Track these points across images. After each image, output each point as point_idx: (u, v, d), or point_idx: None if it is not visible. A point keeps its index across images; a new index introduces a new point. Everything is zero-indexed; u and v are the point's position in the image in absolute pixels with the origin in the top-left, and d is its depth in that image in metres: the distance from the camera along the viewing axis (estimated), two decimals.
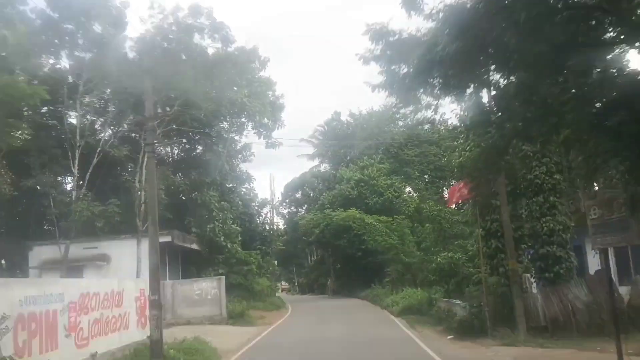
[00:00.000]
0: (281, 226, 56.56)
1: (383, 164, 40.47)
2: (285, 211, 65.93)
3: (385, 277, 36.42)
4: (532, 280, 14.94)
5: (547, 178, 14.96)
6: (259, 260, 34.18)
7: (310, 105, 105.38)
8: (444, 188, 45.63)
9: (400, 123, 48.50)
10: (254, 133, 32.92)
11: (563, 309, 14.35)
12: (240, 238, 33.91)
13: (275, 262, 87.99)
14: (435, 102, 8.56)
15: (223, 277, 22.61)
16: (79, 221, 22.64)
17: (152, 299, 12.31)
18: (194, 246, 28.94)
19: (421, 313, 20.61)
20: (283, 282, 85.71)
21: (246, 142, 36.49)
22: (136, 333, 13.52)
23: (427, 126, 49.11)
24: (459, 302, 16.55)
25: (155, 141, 13.11)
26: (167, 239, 24.60)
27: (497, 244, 15.25)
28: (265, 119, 31.20)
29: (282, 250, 58.55)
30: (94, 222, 22.51)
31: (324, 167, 51.71)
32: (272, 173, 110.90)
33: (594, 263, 15.68)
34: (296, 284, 77.69)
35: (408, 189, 41.42)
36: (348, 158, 46.12)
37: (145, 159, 18.00)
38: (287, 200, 65.10)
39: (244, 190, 36.85)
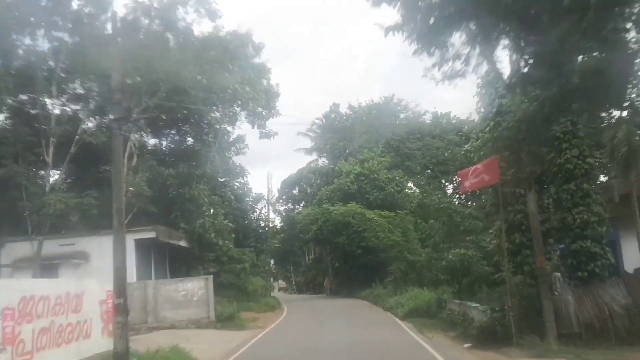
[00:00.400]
0: (277, 223, 54.78)
1: (384, 157, 38.43)
2: (281, 208, 64.20)
3: (387, 277, 34.49)
4: (563, 280, 12.93)
5: (580, 162, 12.94)
6: (253, 258, 32.21)
7: (309, 100, 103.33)
8: (447, 184, 43.73)
9: (402, 115, 46.54)
10: (248, 122, 30.98)
11: (599, 313, 12.39)
12: (233, 235, 31.94)
13: (272, 261, 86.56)
14: (468, 48, 6.51)
15: (211, 277, 20.57)
16: (52, 215, 20.60)
17: (116, 303, 10.30)
18: (182, 243, 26.93)
19: (429, 316, 18.63)
20: (280, 281, 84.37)
21: (240, 134, 34.63)
22: (101, 342, 11.49)
23: (428, 121, 47.37)
24: (476, 304, 14.57)
25: (123, 117, 11.04)
26: (151, 235, 22.62)
27: (522, 239, 13.26)
28: (259, 107, 29.19)
29: (278, 248, 57.07)
30: (69, 215, 20.45)
31: (322, 161, 49.69)
32: (270, 172, 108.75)
33: (631, 260, 13.69)
34: (293, 283, 75.68)
35: (409, 184, 39.40)
36: (347, 152, 44.06)
37: (131, 155, 15.91)
38: (283, 197, 63.24)
39: (237, 184, 34.86)
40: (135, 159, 22.79)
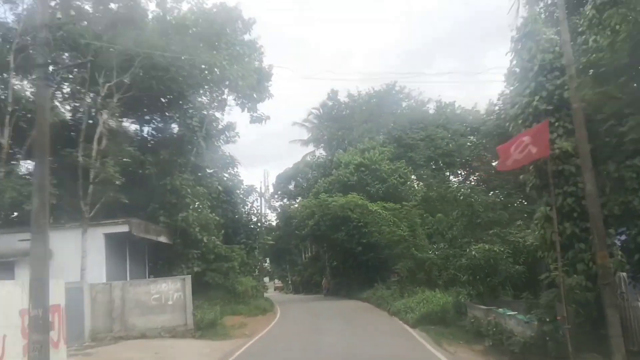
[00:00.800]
0: (273, 220, 52.01)
1: (386, 147, 35.49)
2: (277, 204, 61.46)
3: (391, 276, 31.72)
4: (629, 281, 10.08)
5: None
6: (243, 256, 29.29)
7: (305, 89, 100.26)
8: (452, 177, 40.86)
9: (404, 104, 43.62)
10: (237, 105, 28.12)
11: None
12: (223, 231, 29.07)
13: (268, 260, 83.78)
14: None
15: (189, 277, 17.65)
16: (5, 204, 17.73)
17: (32, 316, 7.41)
18: (163, 239, 24.01)
19: (445, 323, 15.79)
20: (276, 280, 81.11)
21: (230, 122, 31.75)
22: None
23: (432, 110, 44.48)
24: (510, 312, 11.71)
25: (46, 64, 8.13)
26: (123, 228, 19.72)
27: (574, 229, 10.38)
28: (249, 89, 26.25)
29: (273, 246, 54.24)
30: (22, 205, 17.52)
31: (320, 153, 46.74)
32: (267, 170, 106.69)
33: None
34: (290, 282, 72.94)
35: (412, 176, 36.48)
36: (346, 142, 41.07)
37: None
38: (279, 192, 60.46)
39: (226, 175, 31.90)
40: (104, 142, 19.85)
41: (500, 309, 12.38)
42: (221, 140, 32.16)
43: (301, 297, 46.74)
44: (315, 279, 51.75)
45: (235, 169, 32.81)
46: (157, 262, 25.86)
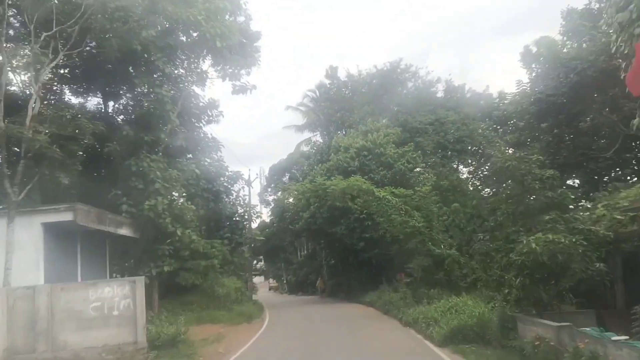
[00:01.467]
0: (266, 215, 47.93)
1: (391, 129, 31.20)
2: (270, 197, 57.31)
3: (398, 276, 27.58)
4: None
5: None
6: (226, 253, 25.03)
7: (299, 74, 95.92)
8: (462, 167, 36.62)
9: (410, 84, 39.28)
10: (218, 75, 23.81)
11: None
12: (204, 228, 24.95)
13: (262, 258, 79.73)
14: None
15: (141, 280, 13.35)
16: None
17: None
18: (125, 231, 19.74)
19: (486, 342, 11.60)
20: (271, 280, 76.87)
21: (211, 99, 27.41)
22: None
23: (441, 93, 40.19)
24: (609, 333, 7.51)
25: None
26: (67, 216, 15.39)
27: None
28: (229, 52, 21.92)
29: (267, 244, 50.40)
30: None
31: (316, 139, 42.29)
32: (262, 167, 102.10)
33: None
34: (285, 281, 69.04)
35: (418, 168, 32.16)
36: (346, 125, 36.64)
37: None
38: (272, 185, 56.24)
39: (207, 161, 27.56)
40: (38, 105, 15.52)
41: (587, 329, 8.17)
42: (202, 121, 27.85)
43: (296, 299, 42.57)
44: (312, 278, 47.95)
45: (219, 154, 28.52)
46: (121, 260, 21.71)
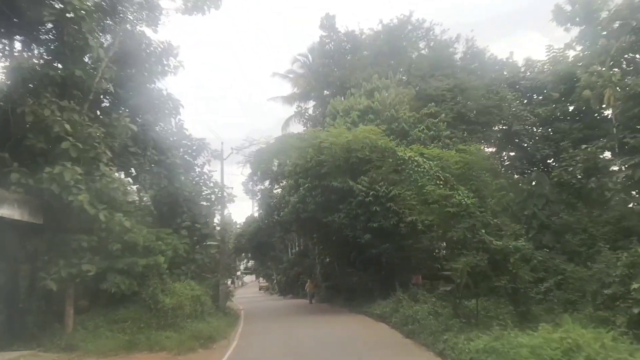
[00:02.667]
0: (251, 209, 41.14)
1: (405, 87, 24.29)
2: (256, 188, 50.34)
3: (414, 279, 20.97)
4: None
5: None
6: (181, 247, 18.05)
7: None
8: (486, 147, 29.60)
9: (422, 44, 32.24)
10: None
11: None
12: (155, 211, 18.01)
13: (249, 258, 72.59)
14: None
15: None
16: None
17: None
18: (5, 212, 12.86)
19: None
20: (261, 280, 72.66)
21: (168, 43, 20.45)
22: None
23: (458, 54, 33.24)
24: None
25: None
26: None
27: None
28: None
29: (252, 239, 44.13)
30: None
31: (306, 108, 35.00)
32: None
33: None
34: (275, 281, 62.82)
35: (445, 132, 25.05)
36: (346, 87, 29.29)
37: None
38: (258, 174, 49.11)
39: (160, 125, 20.48)
40: None
41: None
42: (158, 74, 20.81)
43: (284, 304, 35.66)
44: (303, 279, 41.17)
45: (179, 118, 21.47)
46: (18, 256, 14.85)
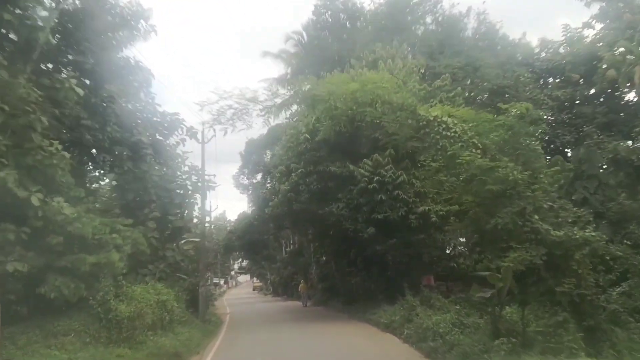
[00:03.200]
0: (243, 204, 38.02)
1: (413, 58, 21.23)
2: (247, 181, 47.35)
3: (424, 280, 17.90)
4: None
5: None
6: (145, 241, 14.78)
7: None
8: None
9: (429, 19, 29.14)
10: None
11: None
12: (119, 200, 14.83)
13: (241, 256, 69.61)
14: None
15: None
16: None
17: None
18: None
19: None
20: (255, 279, 70.62)
21: (138, 3, 17.31)
22: None
23: (468, 31, 30.15)
24: None
25: None
26: None
27: None
28: None
29: (242, 237, 41.50)
30: None
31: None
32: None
33: None
34: (269, 281, 60.53)
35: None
36: (346, 61, 26.12)
37: None
38: (249, 166, 46.29)
39: (125, 98, 17.19)
40: None
41: None
42: (125, 40, 17.59)
43: (276, 307, 32.61)
44: (297, 279, 38.28)
45: (150, 91, 18.21)
46: None
